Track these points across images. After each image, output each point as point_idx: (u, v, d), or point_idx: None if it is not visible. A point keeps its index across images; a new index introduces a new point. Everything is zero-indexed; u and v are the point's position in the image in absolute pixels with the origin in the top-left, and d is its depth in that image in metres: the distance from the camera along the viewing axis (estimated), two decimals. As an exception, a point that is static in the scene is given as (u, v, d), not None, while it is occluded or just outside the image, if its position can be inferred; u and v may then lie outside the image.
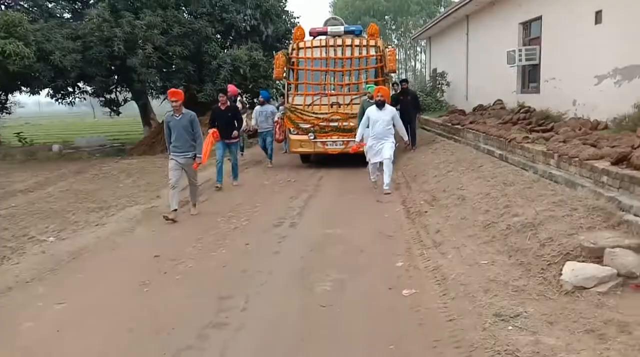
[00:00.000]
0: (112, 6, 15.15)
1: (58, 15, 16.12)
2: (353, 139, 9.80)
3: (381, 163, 8.22)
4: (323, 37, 11.28)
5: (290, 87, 11.16)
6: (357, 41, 11.04)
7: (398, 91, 13.48)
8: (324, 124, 10.72)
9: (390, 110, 8.28)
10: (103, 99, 18.38)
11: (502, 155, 8.49)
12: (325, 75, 11.02)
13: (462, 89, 19.33)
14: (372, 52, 10.94)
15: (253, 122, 12.30)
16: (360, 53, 10.93)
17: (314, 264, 4.90)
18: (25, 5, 16.98)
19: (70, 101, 18.04)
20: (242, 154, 12.89)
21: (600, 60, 9.70)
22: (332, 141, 10.82)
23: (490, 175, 7.00)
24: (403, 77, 28.76)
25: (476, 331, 3.29)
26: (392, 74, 11.65)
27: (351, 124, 10.42)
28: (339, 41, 10.99)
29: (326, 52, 10.93)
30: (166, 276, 4.84)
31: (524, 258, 4.25)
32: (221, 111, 9.23)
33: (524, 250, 4.34)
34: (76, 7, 16.68)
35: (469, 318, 3.48)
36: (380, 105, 8.13)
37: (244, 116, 12.11)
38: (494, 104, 15.25)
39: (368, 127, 8.27)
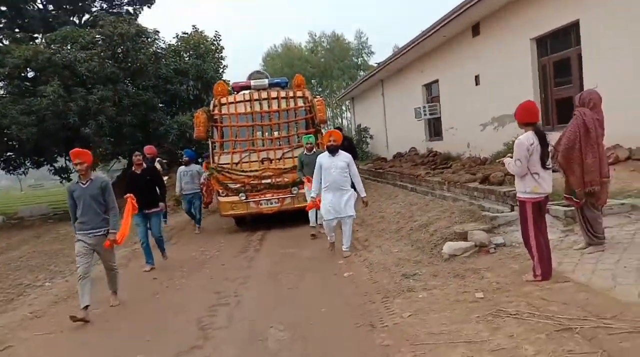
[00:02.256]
0: (65, 83, 16.60)
1: (10, 93, 17.26)
2: (289, 196, 9.66)
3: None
4: (247, 91, 10.41)
5: (214, 146, 10.07)
6: (283, 93, 10.21)
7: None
8: (255, 182, 9.70)
9: (344, 156, 6.99)
10: (53, 168, 19.37)
11: (412, 188, 10.82)
12: (253, 130, 10.06)
13: (383, 140, 22.07)
14: (300, 103, 10.11)
15: (177, 188, 10.77)
16: (287, 105, 10.07)
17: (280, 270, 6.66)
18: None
19: (23, 171, 18.89)
20: (165, 222, 11.02)
21: (483, 112, 12.48)
22: (267, 200, 9.75)
23: (401, 200, 9.33)
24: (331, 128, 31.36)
25: (390, 284, 5.23)
26: (322, 125, 10.75)
27: (285, 179, 9.67)
28: (264, 94, 10.13)
29: (251, 107, 10.01)
30: (168, 289, 6.42)
31: (420, 244, 6.42)
32: (137, 175, 7.55)
33: (420, 240, 6.53)
34: (28, 84, 17.91)
35: (386, 279, 5.42)
36: (333, 150, 6.93)
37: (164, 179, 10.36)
38: (409, 151, 17.94)
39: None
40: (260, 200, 9.76)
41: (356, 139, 24.58)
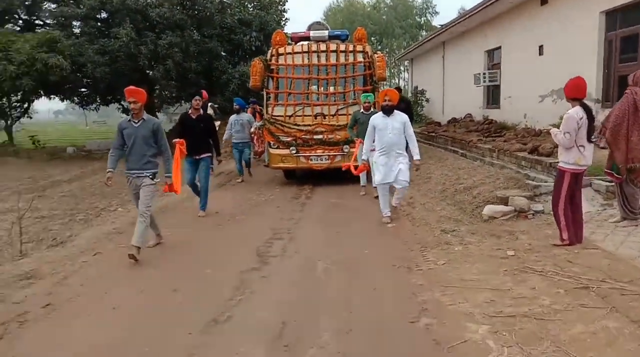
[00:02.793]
0: (137, 27, 17.48)
1: (85, 33, 18.32)
2: (340, 153, 9.50)
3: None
4: (305, 42, 10.07)
5: (269, 97, 9.85)
6: (342, 47, 9.82)
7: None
8: (307, 136, 9.56)
9: (400, 116, 6.56)
10: (121, 106, 20.62)
11: (462, 153, 11.03)
12: (309, 83, 9.70)
13: (439, 104, 21.95)
14: (360, 58, 9.73)
15: (226, 134, 10.78)
16: (346, 59, 9.69)
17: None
18: (52, 23, 19.22)
19: (95, 107, 20.26)
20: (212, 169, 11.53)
21: (543, 83, 12.34)
22: (317, 156, 9.64)
23: (450, 164, 9.63)
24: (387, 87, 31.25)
25: (429, 236, 5.71)
26: (382, 83, 10.35)
27: (337, 136, 9.49)
28: (323, 47, 9.76)
29: (309, 59, 9.67)
30: (229, 222, 7.16)
31: (463, 205, 6.83)
32: (191, 120, 7.33)
33: (463, 201, 6.93)
34: (101, 26, 18.91)
35: (426, 233, 5.90)
36: (387, 111, 6.51)
37: (217, 124, 10.52)
38: (464, 117, 17.87)
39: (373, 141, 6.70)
40: (310, 155, 9.65)
41: (412, 100, 24.49)
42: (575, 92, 4.85)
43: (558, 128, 4.97)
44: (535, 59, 12.94)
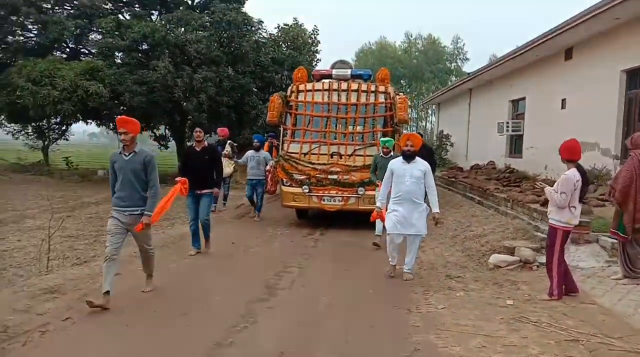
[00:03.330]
0: (174, 60, 18.39)
1: (127, 64, 19.32)
2: (354, 195, 9.15)
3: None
4: (327, 80, 9.87)
5: (286, 133, 9.74)
6: (364, 86, 9.65)
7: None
8: (321, 176, 9.23)
9: (421, 164, 6.10)
10: (153, 134, 21.46)
11: (479, 200, 11.18)
12: (327, 121, 9.51)
13: (463, 150, 22.14)
14: (381, 98, 9.50)
15: (242, 161, 10.79)
16: (367, 99, 9.51)
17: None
18: (96, 52, 20.37)
19: (129, 134, 21.18)
20: (224, 204, 11.90)
21: (564, 135, 12.44)
22: (330, 196, 9.27)
23: (465, 211, 9.81)
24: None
25: (434, 281, 5.88)
26: (402, 125, 10.10)
27: (353, 177, 9.12)
28: (344, 85, 9.62)
29: (329, 97, 9.54)
30: (244, 253, 7.46)
31: (470, 252, 6.99)
32: (196, 152, 7.19)
33: (471, 248, 7.09)
34: (141, 57, 19.93)
35: (431, 277, 6.07)
36: (408, 157, 6.08)
37: (230, 162, 11.30)
38: (487, 164, 18.00)
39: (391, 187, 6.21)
40: (323, 195, 9.28)
41: (436, 144, 24.73)
42: (570, 154, 5.09)
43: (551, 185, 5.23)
44: (557, 112, 13.14)
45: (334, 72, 10.03)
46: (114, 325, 4.39)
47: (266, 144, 12.52)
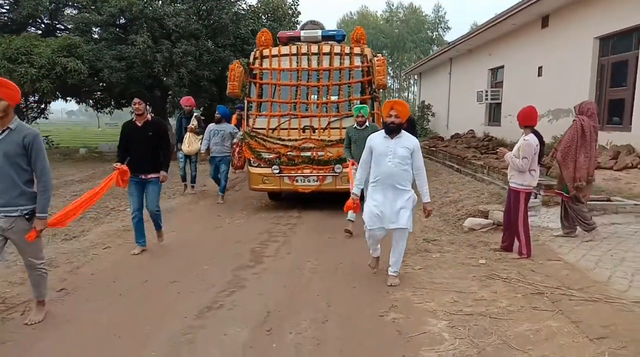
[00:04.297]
0: (153, 35, 18.17)
1: (104, 39, 19.04)
2: (331, 174, 8.18)
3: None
4: (296, 43, 8.76)
5: (250, 106, 8.53)
6: (337, 48, 8.48)
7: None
8: (292, 153, 8.25)
9: (408, 140, 4.80)
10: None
11: (458, 168, 11.51)
12: (297, 91, 8.40)
13: (444, 119, 22.45)
14: (357, 62, 8.40)
15: (203, 145, 9.59)
16: (341, 63, 8.40)
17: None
18: (72, 28, 20.03)
19: (109, 111, 20.99)
20: (192, 187, 10.45)
21: (541, 103, 12.77)
22: (304, 176, 8.30)
23: (443, 179, 10.16)
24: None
25: (412, 244, 6.16)
26: (381, 91, 8.99)
27: (328, 153, 8.15)
28: (315, 48, 8.46)
29: (298, 62, 8.42)
30: (230, 224, 7.69)
31: (447, 217, 7.32)
32: (137, 128, 5.75)
33: (448, 213, 7.42)
34: (120, 32, 19.65)
35: (409, 241, 6.28)
36: (392, 130, 4.76)
37: (197, 138, 9.84)
38: (467, 133, 18.35)
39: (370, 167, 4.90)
40: (296, 175, 8.31)
41: (418, 115, 25.01)
42: (528, 120, 5.40)
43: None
44: (534, 80, 13.43)
45: (303, 33, 8.90)
46: (107, 294, 4.60)
47: (234, 117, 11.61)
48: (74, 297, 4.53)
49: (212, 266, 5.46)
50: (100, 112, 21.25)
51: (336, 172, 8.19)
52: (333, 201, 8.41)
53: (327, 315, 4.09)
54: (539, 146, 5.29)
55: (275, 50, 8.54)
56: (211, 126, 9.55)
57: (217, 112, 9.80)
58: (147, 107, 5.88)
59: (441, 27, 47.00)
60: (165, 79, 18.19)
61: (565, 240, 5.86)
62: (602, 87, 10.61)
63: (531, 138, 5.29)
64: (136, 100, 5.70)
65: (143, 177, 5.83)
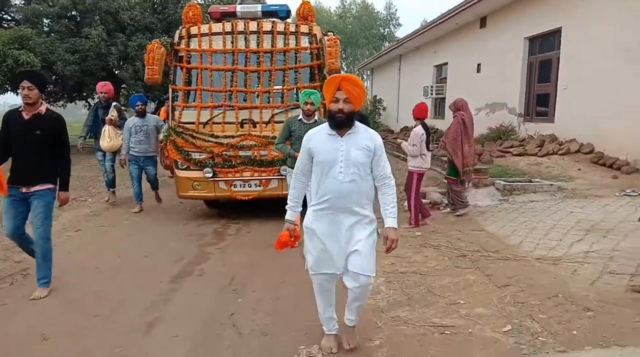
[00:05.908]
0: (107, 28, 18.21)
1: (57, 31, 18.90)
2: (276, 177, 6.89)
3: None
4: (230, 20, 7.23)
5: (176, 96, 7.01)
6: (281, 26, 7.07)
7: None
8: (229, 153, 6.88)
9: (366, 138, 3.15)
10: (88, 104, 21.24)
11: (404, 158, 12.37)
12: (232, 77, 6.96)
13: (395, 113, 23.48)
14: (305, 42, 7.04)
15: (123, 147, 7.77)
16: (286, 44, 7.01)
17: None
18: (21, 19, 19.72)
19: (62, 104, 20.83)
20: (113, 192, 8.57)
21: (479, 97, 13.88)
22: (243, 180, 6.97)
23: (391, 166, 10.91)
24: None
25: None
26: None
27: (273, 153, 6.77)
28: (254, 26, 7.01)
29: (233, 43, 6.97)
30: (190, 211, 8.21)
31: (391, 199, 8.11)
32: (23, 122, 4.17)
33: (392, 195, 8.22)
34: (71, 25, 19.53)
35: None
36: (341, 123, 3.08)
37: (117, 133, 7.94)
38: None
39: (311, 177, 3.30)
40: (233, 180, 6.94)
41: (370, 109, 25.93)
42: (419, 113, 6.54)
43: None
44: (473, 76, 14.51)
45: (239, 8, 7.40)
46: (84, 269, 5.10)
47: (162, 109, 9.92)
48: (55, 270, 5.01)
49: (178, 244, 6.02)
50: (53, 106, 20.97)
51: (282, 175, 6.77)
52: (280, 208, 8.65)
53: (284, 277, 4.78)
54: (424, 135, 6.39)
55: (205, 28, 7.02)
56: (131, 121, 7.73)
57: (138, 103, 7.84)
58: (44, 94, 4.40)
59: (392, 24, 48.35)
60: (119, 72, 18.28)
61: (490, 215, 6.78)
62: (531, 83, 11.74)
63: (418, 129, 6.45)
64: (25, 83, 4.09)
65: (25, 190, 4.20)
